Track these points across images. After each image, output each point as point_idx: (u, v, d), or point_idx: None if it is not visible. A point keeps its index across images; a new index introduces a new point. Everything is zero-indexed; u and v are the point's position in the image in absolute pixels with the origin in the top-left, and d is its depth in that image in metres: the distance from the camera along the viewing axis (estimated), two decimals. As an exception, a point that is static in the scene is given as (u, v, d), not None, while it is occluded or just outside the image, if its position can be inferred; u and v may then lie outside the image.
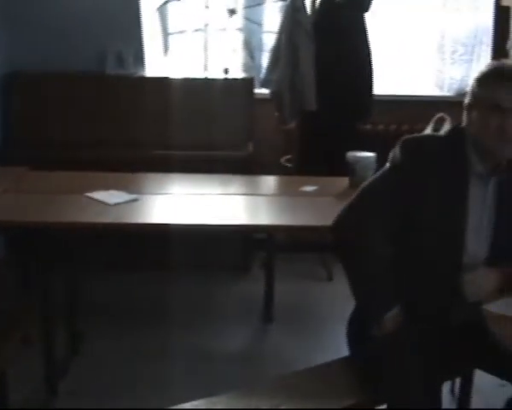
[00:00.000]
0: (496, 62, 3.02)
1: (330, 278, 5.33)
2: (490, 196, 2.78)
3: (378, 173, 2.88)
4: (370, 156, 4.04)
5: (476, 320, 2.57)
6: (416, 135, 2.95)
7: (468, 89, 2.78)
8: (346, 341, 3.00)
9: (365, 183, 2.90)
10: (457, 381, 3.57)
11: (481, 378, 2.96)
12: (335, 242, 2.86)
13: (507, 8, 5.42)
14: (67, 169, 4.22)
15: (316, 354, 4.00)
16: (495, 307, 2.59)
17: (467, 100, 2.76)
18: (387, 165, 2.83)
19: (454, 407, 3.64)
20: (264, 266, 4.95)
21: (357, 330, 2.91)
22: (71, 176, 4.19)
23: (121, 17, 5.55)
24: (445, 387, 3.64)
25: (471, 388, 3.25)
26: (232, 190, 4.15)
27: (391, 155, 2.81)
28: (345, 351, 3.01)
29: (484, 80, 2.70)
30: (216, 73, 5.65)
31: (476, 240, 2.77)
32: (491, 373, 2.88)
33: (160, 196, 3.95)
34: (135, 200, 3.80)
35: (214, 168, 4.62)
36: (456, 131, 2.83)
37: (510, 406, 2.80)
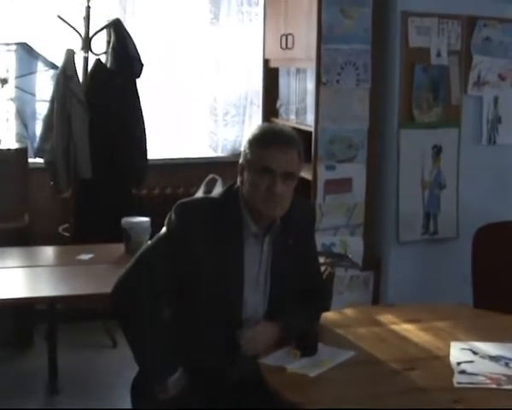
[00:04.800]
0: (267, 125, 3.15)
1: (114, 345, 5.30)
2: (265, 254, 2.86)
3: (154, 239, 2.90)
4: (145, 221, 4.09)
5: (254, 375, 2.63)
6: (190, 199, 2.99)
7: (242, 149, 2.87)
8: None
9: (142, 249, 2.92)
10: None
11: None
12: (115, 309, 2.84)
13: (275, 69, 5.66)
14: None
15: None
16: (271, 360, 2.67)
17: (240, 161, 2.85)
18: (163, 230, 2.86)
19: None
20: (46, 338, 4.84)
21: (141, 394, 2.89)
22: None
23: None
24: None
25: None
26: (9, 263, 4.07)
27: (166, 219, 2.84)
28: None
29: (254, 143, 2.79)
30: (-12, 145, 5.52)
31: (254, 296, 2.85)
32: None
33: None
34: None
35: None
36: (230, 192, 2.89)
37: None
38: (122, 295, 2.80)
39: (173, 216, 2.80)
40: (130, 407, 2.99)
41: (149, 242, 2.96)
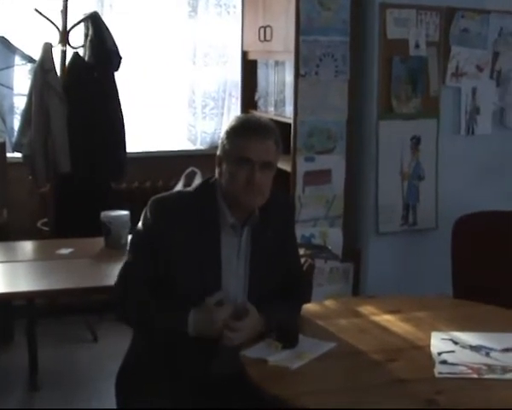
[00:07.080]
0: (244, 116, 3.16)
1: (95, 339, 5.29)
2: (244, 245, 2.87)
3: (132, 241, 2.97)
4: (124, 215, 4.07)
5: (235, 368, 2.63)
6: (163, 194, 2.97)
7: (219, 141, 2.87)
8: (115, 400, 2.98)
9: (124, 260, 2.94)
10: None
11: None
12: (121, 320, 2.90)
13: (254, 61, 5.66)
14: None
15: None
16: (252, 352, 2.66)
17: (218, 152, 2.86)
18: (139, 226, 2.87)
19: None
20: (26, 334, 4.81)
21: (125, 387, 2.91)
22: None
23: None
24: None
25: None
26: (-13, 258, 4.04)
27: (142, 216, 2.86)
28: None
29: (232, 133, 2.80)
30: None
31: (234, 287, 2.85)
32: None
33: None
34: None
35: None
36: (206, 184, 2.90)
37: None
38: (115, 291, 2.86)
39: (148, 213, 2.83)
40: (112, 400, 2.98)
41: (129, 245, 2.99)
